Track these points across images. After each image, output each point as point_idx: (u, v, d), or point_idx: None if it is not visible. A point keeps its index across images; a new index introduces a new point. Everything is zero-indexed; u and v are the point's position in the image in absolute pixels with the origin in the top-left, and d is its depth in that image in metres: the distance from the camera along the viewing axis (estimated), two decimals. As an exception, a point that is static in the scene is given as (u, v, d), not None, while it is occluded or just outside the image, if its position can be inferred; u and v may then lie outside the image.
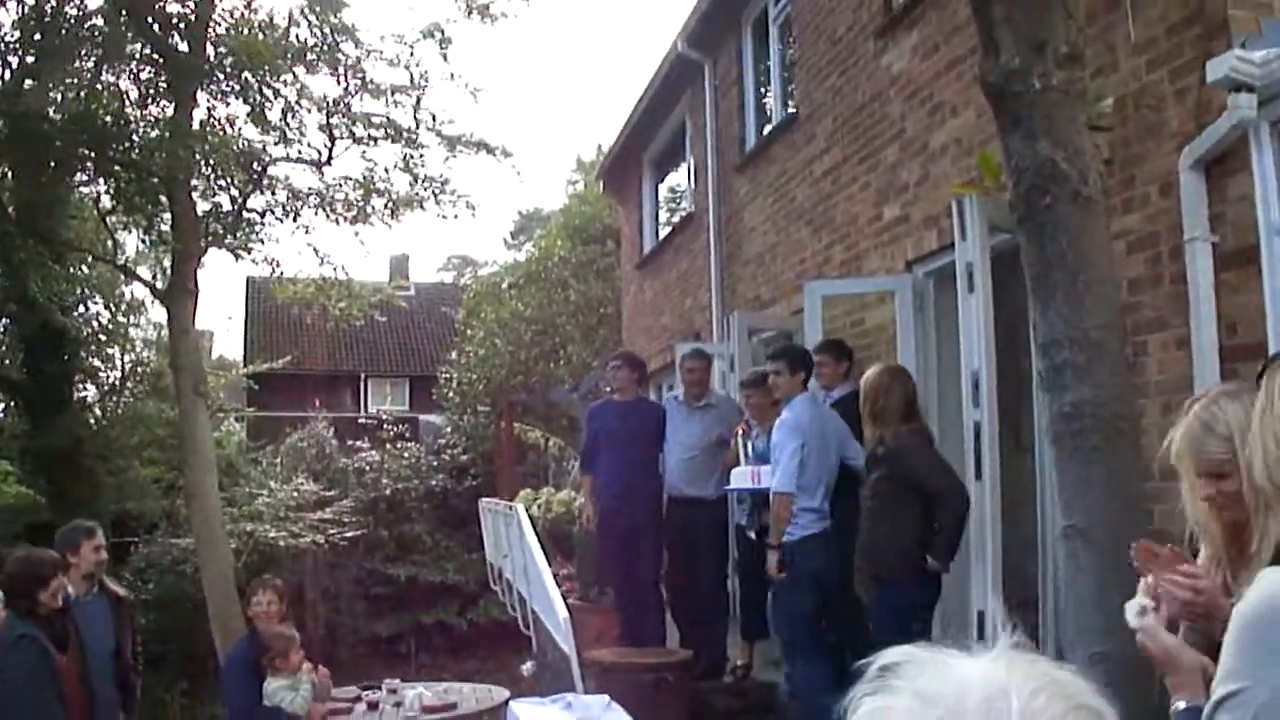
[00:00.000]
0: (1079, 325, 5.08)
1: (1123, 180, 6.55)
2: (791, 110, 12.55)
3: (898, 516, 7.11)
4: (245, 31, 17.85)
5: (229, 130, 18.82)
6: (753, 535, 9.36)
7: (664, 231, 18.60)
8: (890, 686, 1.10)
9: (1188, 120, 6.06)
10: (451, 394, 29.40)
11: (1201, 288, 5.93)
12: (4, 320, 22.38)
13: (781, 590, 8.12)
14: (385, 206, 20.50)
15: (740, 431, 9.37)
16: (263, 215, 19.93)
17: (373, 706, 8.67)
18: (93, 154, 17.76)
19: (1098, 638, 4.96)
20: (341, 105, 19.48)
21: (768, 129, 13.50)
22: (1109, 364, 5.14)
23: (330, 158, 19.83)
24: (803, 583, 7.90)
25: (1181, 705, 2.81)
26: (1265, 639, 1.91)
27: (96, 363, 24.67)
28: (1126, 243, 6.49)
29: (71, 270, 21.00)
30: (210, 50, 17.70)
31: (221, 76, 17.79)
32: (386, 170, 20.45)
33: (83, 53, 18.17)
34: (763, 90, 14.09)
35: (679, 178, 18.51)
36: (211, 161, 18.18)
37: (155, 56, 17.71)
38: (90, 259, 21.62)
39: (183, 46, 17.54)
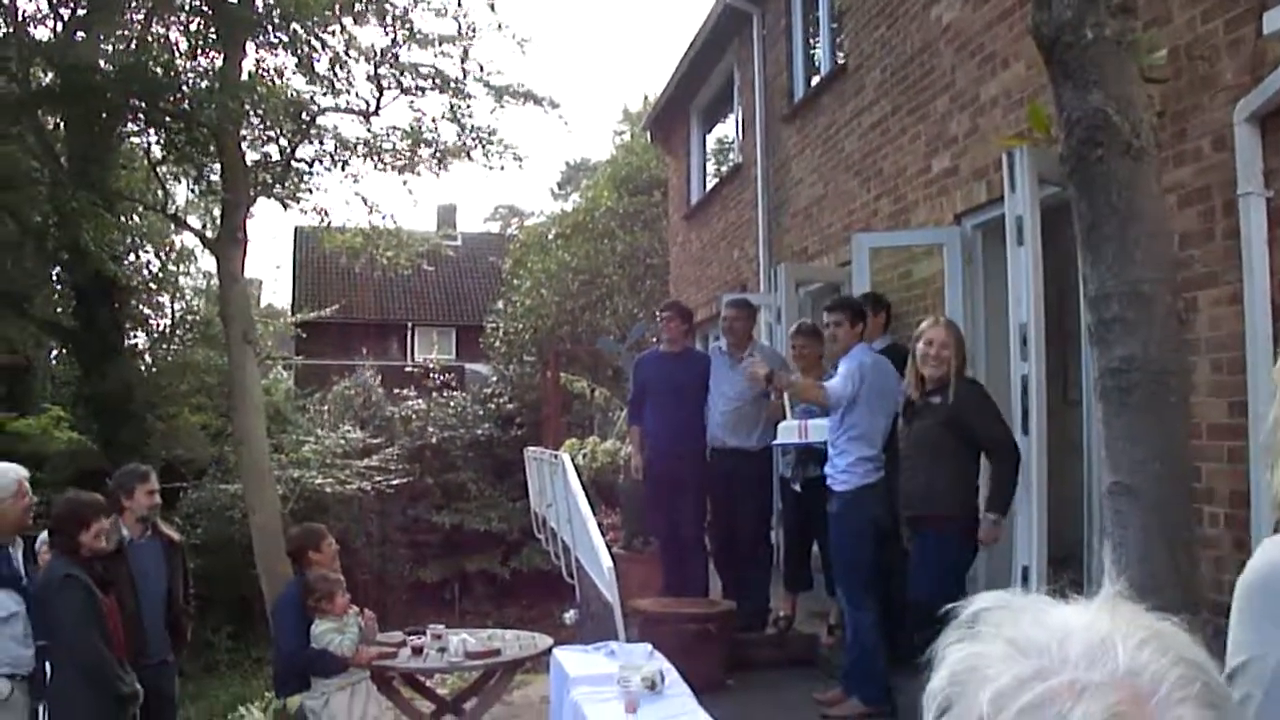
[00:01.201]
0: (1129, 279, 5.02)
1: (1175, 133, 6.47)
2: (840, 61, 12.46)
3: (957, 465, 7.14)
4: (294, -18, 17.83)
5: (278, 81, 18.89)
6: (797, 487, 9.36)
7: (711, 182, 18.55)
8: (981, 634, 1.06)
9: (1243, 72, 5.97)
10: (498, 343, 29.52)
11: (1254, 243, 5.86)
12: (56, 269, 22.57)
13: (842, 541, 8.09)
14: (433, 156, 20.56)
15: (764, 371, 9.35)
16: (311, 165, 20.04)
17: (418, 651, 8.71)
18: (143, 105, 17.87)
19: (1141, 594, 4.91)
20: (389, 55, 19.53)
21: (816, 80, 13.41)
22: (1159, 319, 5.08)
23: (378, 108, 19.90)
24: (862, 532, 7.88)
25: None
26: (1268, 606, 1.89)
27: (147, 311, 24.90)
28: (1178, 196, 6.41)
29: (122, 219, 21.14)
30: (259, 1, 17.71)
31: (270, 28, 17.84)
32: (434, 120, 20.55)
33: (133, 4, 18.25)
34: (811, 40, 13.98)
35: (727, 128, 18.44)
36: (260, 112, 18.24)
37: (204, 8, 17.77)
38: (141, 208, 21.80)
39: (232, -2, 17.56)
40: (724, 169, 17.88)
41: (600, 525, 10.92)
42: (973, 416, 7.08)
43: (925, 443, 7.22)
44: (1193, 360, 6.16)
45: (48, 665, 6.81)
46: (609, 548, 10.04)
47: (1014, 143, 7.20)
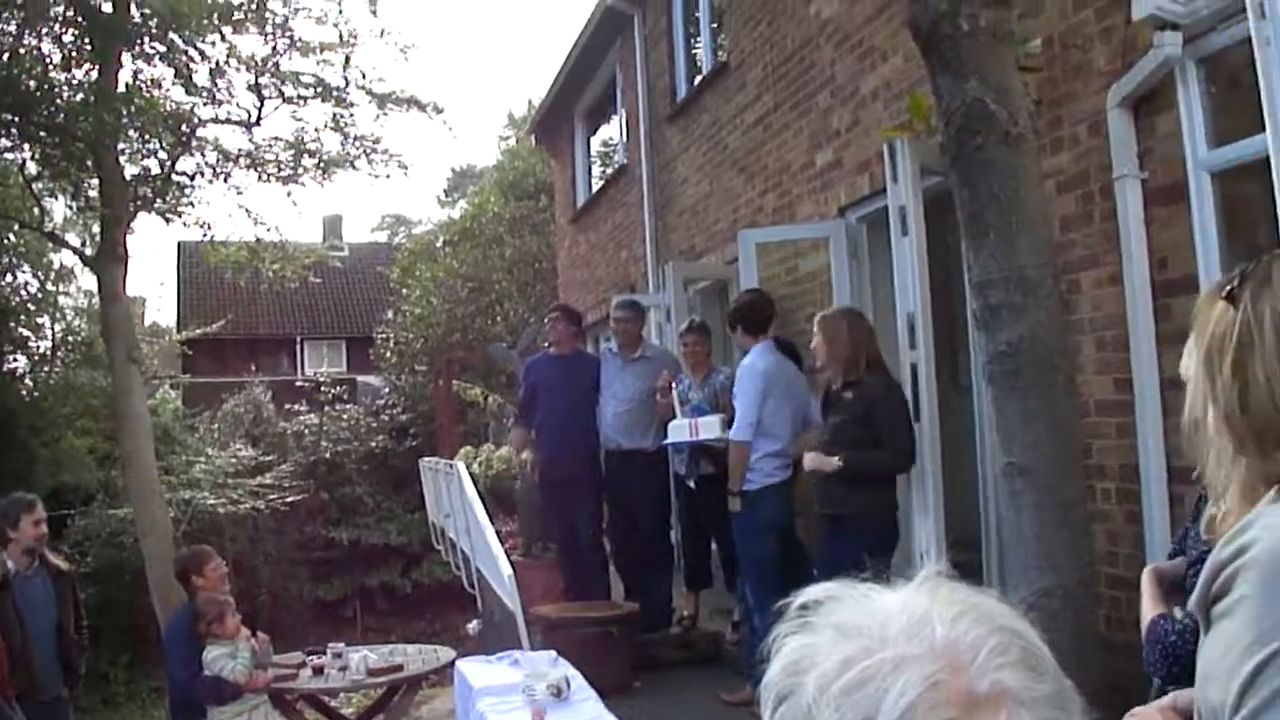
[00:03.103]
0: (1012, 265, 5.11)
1: (1052, 120, 6.57)
2: (722, 59, 12.51)
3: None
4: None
5: (156, 92, 18.55)
6: (692, 484, 9.38)
7: (597, 185, 18.58)
8: (811, 624, 1.08)
9: (1114, 59, 6.07)
10: (389, 354, 29.31)
11: (1132, 224, 5.97)
12: (-71, 292, 22.02)
13: (746, 540, 8.11)
14: (317, 166, 20.27)
15: (668, 381, 9.40)
16: (192, 178, 19.65)
17: (318, 671, 8.62)
18: (16, 120, 17.43)
19: (1039, 573, 5.03)
20: (270, 64, 19.22)
21: (698, 79, 13.47)
22: (1043, 302, 5.17)
23: (260, 118, 19.58)
24: (767, 531, 7.92)
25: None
26: None
27: (26, 333, 24.24)
28: (1057, 182, 6.51)
29: (-2, 239, 20.67)
30: (135, 11, 17.39)
31: (146, 38, 17.47)
32: (317, 130, 20.23)
33: (4, 16, 17.84)
34: (692, 40, 14.04)
35: (611, 130, 18.46)
36: (138, 125, 17.88)
37: (78, 18, 17.35)
38: (17, 227, 21.26)
39: (106, 7, 17.19)
40: (609, 171, 17.90)
41: (499, 533, 10.85)
42: (879, 411, 7.08)
43: (839, 439, 7.22)
44: (1078, 340, 6.27)
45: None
46: (508, 555, 10.00)
47: (895, 134, 7.26)
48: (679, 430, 8.98)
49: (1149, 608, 2.90)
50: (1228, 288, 1.89)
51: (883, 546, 7.05)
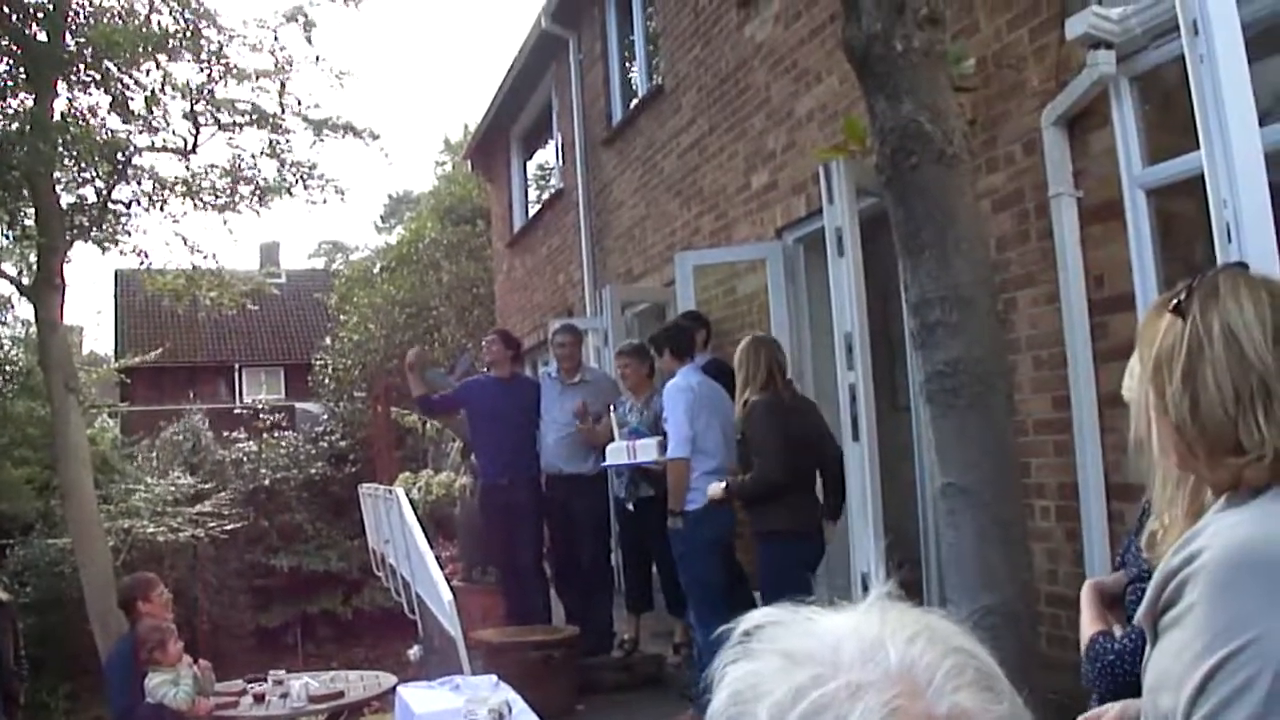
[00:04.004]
0: (949, 284, 5.10)
1: (987, 140, 6.61)
2: (657, 82, 12.54)
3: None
4: (105, 20, 17.38)
5: (91, 121, 18.37)
6: (630, 507, 9.36)
7: (534, 209, 18.57)
8: (754, 651, 1.05)
9: (1048, 78, 6.12)
10: (327, 380, 29.16)
11: (1068, 243, 6.01)
12: None
13: (688, 560, 8.10)
14: (253, 193, 20.15)
15: (583, 407, 9.46)
16: (129, 206, 19.46)
17: (259, 699, 8.57)
18: (-50, 150, 17.24)
19: (979, 591, 5.02)
20: (205, 92, 19.11)
21: (634, 102, 13.49)
22: (980, 321, 5.18)
23: (196, 145, 19.46)
24: (709, 550, 7.93)
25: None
26: (1268, 582, 1.67)
27: (-38, 362, 24.02)
28: (993, 201, 6.56)
29: (-68, 269, 20.38)
30: (69, 40, 17.23)
31: (82, 66, 17.33)
32: (253, 157, 20.13)
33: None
34: (628, 64, 14.07)
35: (547, 154, 18.49)
36: (74, 153, 17.69)
37: (13, 47, 17.18)
38: (-48, 256, 21.04)
39: (41, 36, 17.03)
40: (546, 195, 17.88)
41: (439, 558, 10.80)
42: (750, 432, 7.39)
43: (742, 457, 7.59)
44: (1014, 359, 6.31)
45: None
46: (449, 580, 9.94)
47: (830, 155, 7.27)
48: (617, 453, 8.95)
49: (1089, 624, 2.87)
50: (1175, 301, 1.92)
51: (806, 559, 7.35)
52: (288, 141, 20.16)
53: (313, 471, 27.88)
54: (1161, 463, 2.00)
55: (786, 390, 7.61)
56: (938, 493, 5.36)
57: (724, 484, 7.54)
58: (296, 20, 19.11)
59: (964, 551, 5.17)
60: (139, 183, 19.51)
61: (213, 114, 19.40)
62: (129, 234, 19.75)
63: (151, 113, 18.57)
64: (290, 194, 20.46)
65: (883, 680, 0.97)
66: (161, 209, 19.74)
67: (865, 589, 1.07)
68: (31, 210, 18.22)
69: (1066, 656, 5.03)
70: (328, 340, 29.83)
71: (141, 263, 20.66)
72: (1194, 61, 4.50)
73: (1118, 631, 2.75)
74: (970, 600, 4.99)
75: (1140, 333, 2.03)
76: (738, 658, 1.06)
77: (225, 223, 21.50)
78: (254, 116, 19.64)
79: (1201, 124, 4.48)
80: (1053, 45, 6.06)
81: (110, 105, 18.15)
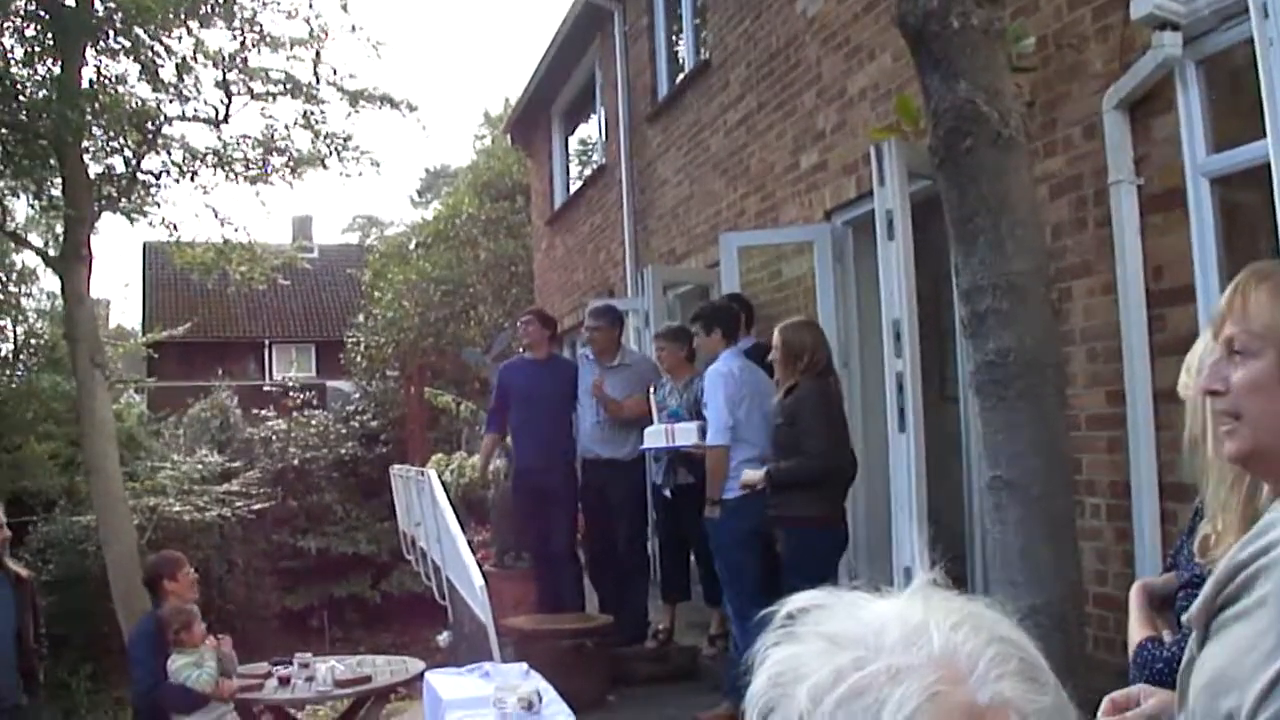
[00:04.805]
0: (1002, 271, 5.00)
1: (1045, 123, 6.49)
2: (704, 57, 12.39)
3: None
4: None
5: (120, 89, 18.33)
6: (668, 494, 9.22)
7: (575, 186, 18.49)
8: (796, 634, 1.06)
9: (1111, 60, 5.97)
10: (359, 358, 29.18)
11: (1127, 232, 5.87)
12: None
13: (726, 549, 7.98)
14: (286, 165, 20.17)
15: (649, 388, 9.27)
16: (158, 177, 19.50)
17: (284, 681, 8.48)
18: (-25, 117, 17.22)
19: (1026, 590, 4.92)
20: (238, 60, 19.07)
21: (680, 77, 13.36)
22: (1033, 310, 5.08)
23: (227, 115, 19.45)
24: (746, 540, 7.79)
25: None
26: None
27: (-13, 335, 24.06)
28: (1049, 187, 6.43)
29: (-43, 240, 20.42)
30: (98, 5, 17.15)
31: (111, 32, 17.30)
32: (287, 127, 20.15)
33: (-37, 10, 17.61)
34: (674, 37, 13.93)
35: (589, 129, 18.39)
36: (103, 122, 17.70)
37: (40, 12, 17.13)
38: (-24, 227, 21.01)
39: (69, 1, 16.97)
40: (587, 171, 17.78)
41: (471, 542, 10.71)
42: (801, 417, 7.22)
43: (778, 442, 7.37)
44: (1068, 351, 6.17)
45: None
46: (480, 565, 9.83)
47: (882, 135, 7.12)
48: (655, 436, 8.81)
49: (1137, 628, 2.80)
50: None
51: (835, 546, 7.34)
52: (322, 112, 20.17)
53: (343, 451, 27.85)
54: (1216, 464, 2.03)
55: (834, 377, 7.53)
56: (985, 487, 5.24)
57: (764, 470, 7.39)
58: (333, -14, 19.04)
59: (1010, 548, 5.08)
60: (169, 152, 19.57)
61: (245, 83, 19.38)
62: (158, 205, 19.84)
63: (182, 80, 18.58)
64: (324, 166, 20.50)
65: (924, 665, 0.98)
66: (192, 179, 19.82)
67: (909, 584, 1.02)
68: (59, 180, 18.22)
69: (1113, 660, 4.91)
70: (360, 317, 29.82)
71: (171, 235, 20.71)
72: (1263, 45, 4.39)
73: (1167, 637, 2.69)
74: (1015, 597, 4.83)
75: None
76: (780, 640, 1.07)
77: (257, 194, 21.63)
78: (288, 86, 19.64)
79: (1270, 110, 4.36)
80: (1116, 25, 5.90)
81: (140, 73, 18.16)
